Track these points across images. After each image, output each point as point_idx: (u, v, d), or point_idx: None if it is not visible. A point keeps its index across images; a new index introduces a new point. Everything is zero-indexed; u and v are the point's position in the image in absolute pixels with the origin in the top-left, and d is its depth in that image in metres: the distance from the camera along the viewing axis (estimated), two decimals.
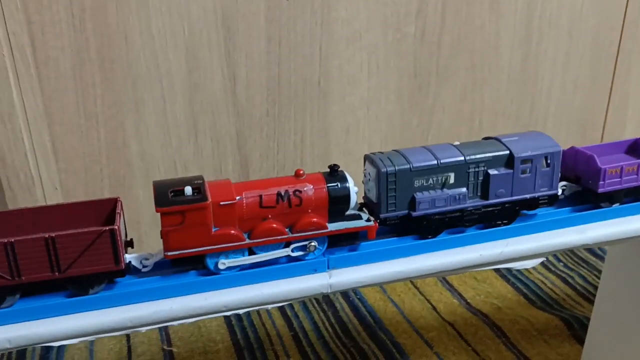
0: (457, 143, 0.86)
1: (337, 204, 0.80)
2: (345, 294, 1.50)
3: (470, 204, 0.84)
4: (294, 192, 0.78)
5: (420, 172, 0.82)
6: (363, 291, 1.50)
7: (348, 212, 0.82)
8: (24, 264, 0.71)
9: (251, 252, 0.80)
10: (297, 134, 1.50)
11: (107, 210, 0.79)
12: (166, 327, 1.39)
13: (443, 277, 1.53)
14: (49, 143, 1.29)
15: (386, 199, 0.82)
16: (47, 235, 0.70)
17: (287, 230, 0.79)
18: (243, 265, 0.79)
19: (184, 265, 0.79)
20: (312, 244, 0.79)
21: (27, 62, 1.22)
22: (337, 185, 0.79)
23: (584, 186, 0.94)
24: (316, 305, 1.46)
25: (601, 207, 0.92)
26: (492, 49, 1.59)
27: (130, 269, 0.78)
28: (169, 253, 0.75)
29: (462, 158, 0.83)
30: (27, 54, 1.22)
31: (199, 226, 0.74)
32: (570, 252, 1.64)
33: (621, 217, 0.93)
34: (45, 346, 1.31)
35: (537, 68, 1.66)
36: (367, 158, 0.85)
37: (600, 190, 0.90)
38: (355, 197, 0.81)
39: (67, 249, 0.71)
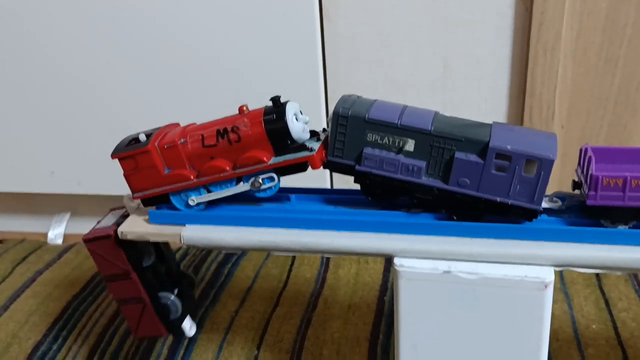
0: (445, 114, 0.78)
1: (277, 137, 0.76)
2: None
3: (425, 181, 0.75)
4: (232, 128, 0.76)
5: (375, 126, 0.75)
6: None
7: (299, 144, 0.77)
8: None
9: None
10: None
11: None
12: None
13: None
14: (570, 81, 1.28)
15: (334, 142, 0.77)
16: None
17: (233, 167, 0.79)
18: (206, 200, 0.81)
19: (155, 204, 0.83)
20: (258, 179, 0.78)
21: None
22: (272, 116, 0.75)
23: (583, 195, 0.75)
24: None
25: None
26: None
27: None
28: (135, 194, 0.82)
29: (428, 128, 0.73)
30: None
31: (150, 169, 0.79)
32: None
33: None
34: None
35: None
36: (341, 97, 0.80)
37: (590, 202, 0.71)
38: (299, 128, 0.76)
39: None
